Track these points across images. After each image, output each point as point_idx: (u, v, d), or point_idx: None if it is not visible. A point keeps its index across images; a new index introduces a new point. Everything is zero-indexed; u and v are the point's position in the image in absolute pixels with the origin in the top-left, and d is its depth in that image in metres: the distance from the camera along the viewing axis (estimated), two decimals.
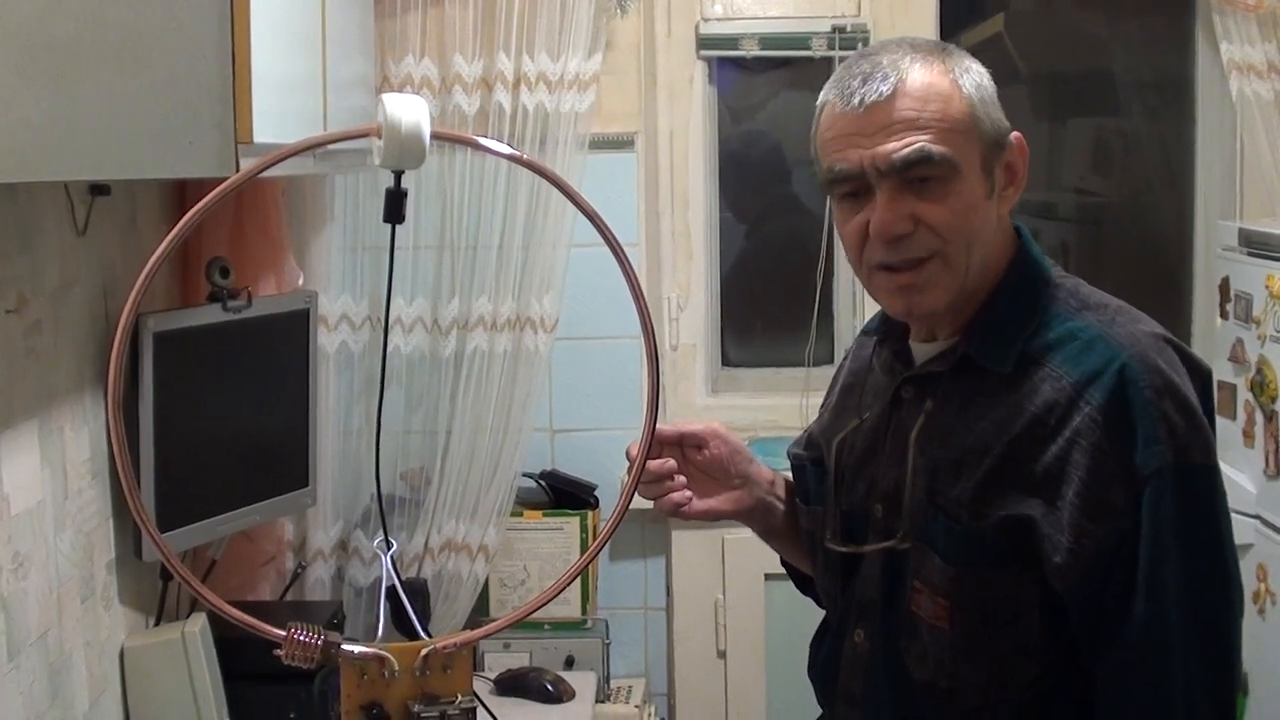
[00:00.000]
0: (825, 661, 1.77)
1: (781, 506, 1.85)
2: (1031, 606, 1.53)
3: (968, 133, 1.55)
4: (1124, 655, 1.49)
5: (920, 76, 1.54)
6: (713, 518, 1.81)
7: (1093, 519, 1.47)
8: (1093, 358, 1.52)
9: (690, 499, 1.77)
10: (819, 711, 1.84)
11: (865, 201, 1.56)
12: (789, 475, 1.89)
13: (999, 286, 1.62)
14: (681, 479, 1.77)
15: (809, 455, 1.83)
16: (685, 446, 1.78)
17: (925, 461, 1.60)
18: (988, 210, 1.58)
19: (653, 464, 1.74)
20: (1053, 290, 1.62)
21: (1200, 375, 1.56)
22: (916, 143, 1.52)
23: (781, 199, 3.58)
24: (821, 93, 1.62)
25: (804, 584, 1.95)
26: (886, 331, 1.74)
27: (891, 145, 1.53)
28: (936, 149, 1.52)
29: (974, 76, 1.58)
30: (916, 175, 1.53)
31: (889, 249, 1.56)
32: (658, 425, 1.72)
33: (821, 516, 1.75)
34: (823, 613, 1.85)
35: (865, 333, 1.85)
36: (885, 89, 1.53)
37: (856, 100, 1.54)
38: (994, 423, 1.55)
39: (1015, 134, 1.61)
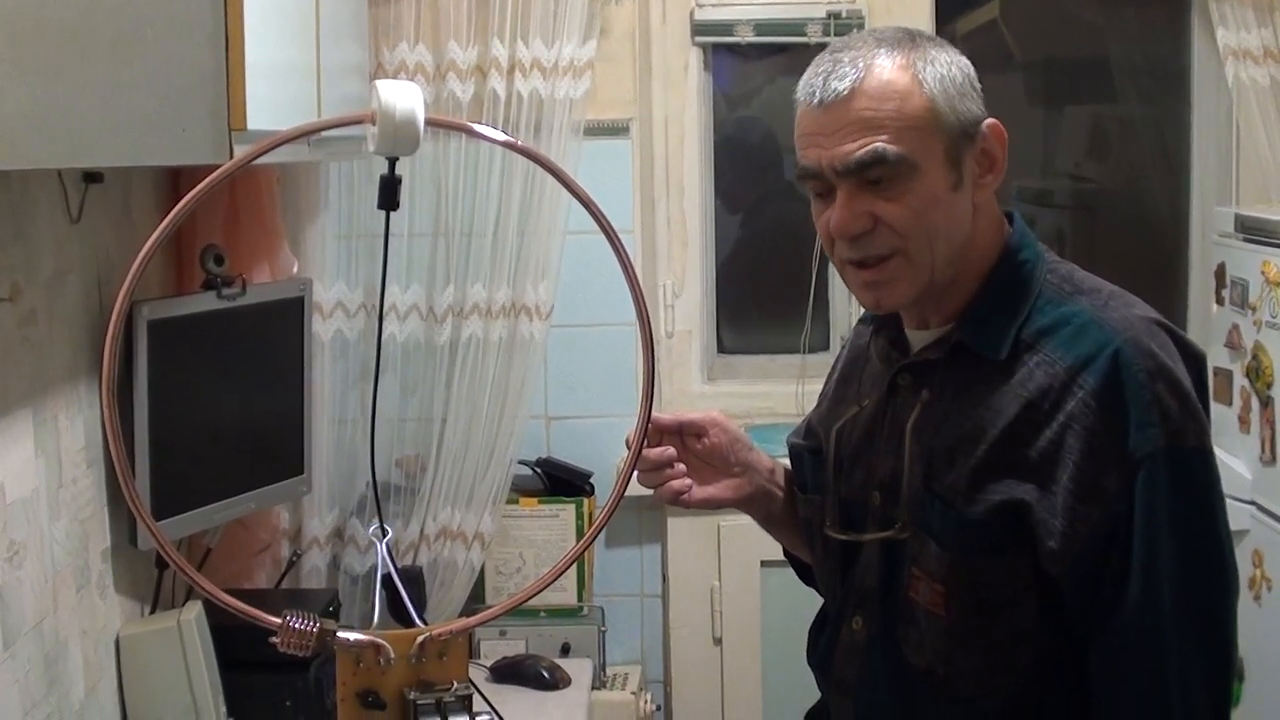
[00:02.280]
0: (823, 649, 1.77)
1: (781, 494, 1.86)
2: (1027, 592, 1.53)
3: (926, 129, 1.54)
4: (1118, 640, 1.49)
5: (879, 74, 1.54)
6: (713, 506, 1.81)
7: (1086, 503, 1.48)
8: (1086, 342, 1.53)
9: (690, 487, 1.76)
10: (815, 698, 1.84)
11: (831, 199, 1.58)
12: (788, 463, 1.89)
13: (990, 274, 1.62)
14: (681, 467, 1.76)
15: (807, 444, 1.83)
16: (685, 435, 1.78)
17: (921, 449, 1.60)
18: (954, 203, 1.57)
19: (652, 452, 1.74)
20: (1046, 276, 1.62)
21: (1194, 359, 1.56)
22: (871, 144, 1.52)
23: (777, 186, 3.57)
24: (798, 86, 1.62)
25: (805, 573, 1.94)
26: (883, 320, 1.74)
27: (847, 146, 1.53)
28: (891, 149, 1.52)
29: (939, 68, 1.56)
30: (873, 176, 1.53)
31: (851, 246, 1.57)
32: (658, 413, 1.73)
33: (820, 505, 1.76)
34: (820, 598, 1.85)
35: (863, 321, 1.85)
36: (843, 88, 1.54)
37: (817, 99, 1.56)
38: (989, 409, 1.55)
39: (990, 121, 1.60)
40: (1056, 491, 1.49)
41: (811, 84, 1.57)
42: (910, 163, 1.53)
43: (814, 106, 1.56)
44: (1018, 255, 1.63)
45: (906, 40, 1.58)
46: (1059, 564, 1.50)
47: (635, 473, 1.59)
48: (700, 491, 1.78)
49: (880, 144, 1.52)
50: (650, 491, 1.77)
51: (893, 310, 1.66)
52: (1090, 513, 1.48)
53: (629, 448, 1.49)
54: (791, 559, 1.98)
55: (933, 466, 1.59)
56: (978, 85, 1.60)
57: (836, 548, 1.73)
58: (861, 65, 1.54)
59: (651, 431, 1.74)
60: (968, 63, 1.60)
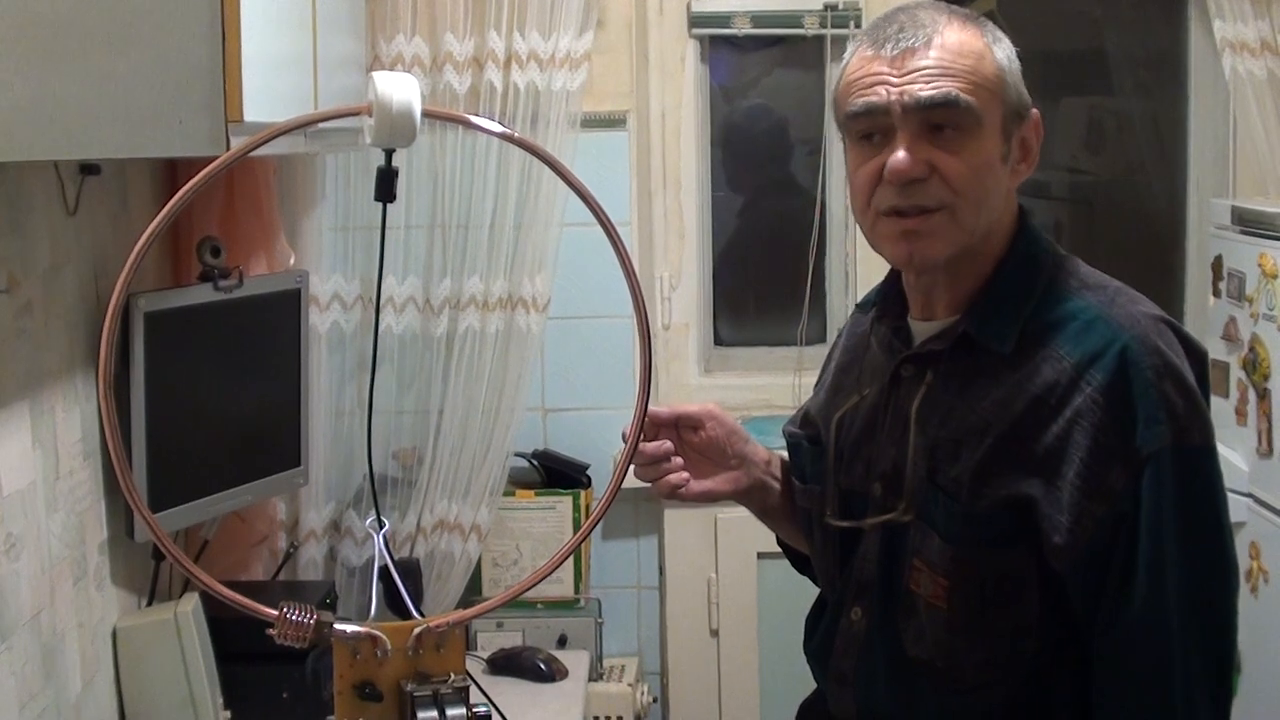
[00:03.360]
0: (821, 639, 1.77)
1: (778, 486, 1.85)
2: (1030, 586, 1.53)
3: (994, 92, 1.56)
4: (1122, 634, 1.50)
5: (956, 34, 1.56)
6: (710, 499, 1.81)
7: (1092, 499, 1.48)
8: (1093, 338, 1.53)
9: (687, 480, 1.76)
10: (812, 689, 1.84)
11: (882, 145, 1.57)
12: (785, 454, 1.88)
13: (1000, 264, 1.62)
14: (678, 460, 1.76)
15: (805, 433, 1.83)
16: (681, 428, 1.78)
17: (925, 441, 1.60)
18: (1001, 175, 1.59)
19: (649, 446, 1.74)
20: (1053, 269, 1.62)
21: (1197, 357, 1.56)
22: (947, 88, 1.53)
23: (774, 178, 3.57)
24: (851, 44, 1.63)
25: (800, 563, 1.94)
26: (884, 309, 1.73)
27: (920, 85, 1.54)
28: (964, 96, 1.53)
29: (1005, 48, 1.60)
30: (939, 120, 1.54)
31: (901, 193, 1.56)
32: (654, 407, 1.73)
33: (820, 495, 1.75)
34: (817, 589, 1.85)
35: (861, 308, 1.84)
36: (921, 38, 1.55)
37: (890, 46, 1.56)
38: (995, 403, 1.55)
39: (1035, 110, 1.62)
40: (1062, 487, 1.49)
41: (883, 33, 1.57)
42: (977, 116, 1.54)
43: (885, 52, 1.56)
44: (1028, 248, 1.64)
45: (972, 15, 1.61)
46: (1064, 559, 1.50)
47: (632, 465, 1.59)
48: (697, 485, 1.78)
49: (955, 89, 1.53)
50: (647, 484, 1.77)
51: (923, 267, 1.63)
52: (1096, 509, 1.48)
53: (625, 441, 1.49)
54: (785, 548, 1.98)
55: (937, 459, 1.59)
56: None
57: (836, 537, 1.72)
58: (941, 23, 1.56)
59: (648, 425, 1.74)
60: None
